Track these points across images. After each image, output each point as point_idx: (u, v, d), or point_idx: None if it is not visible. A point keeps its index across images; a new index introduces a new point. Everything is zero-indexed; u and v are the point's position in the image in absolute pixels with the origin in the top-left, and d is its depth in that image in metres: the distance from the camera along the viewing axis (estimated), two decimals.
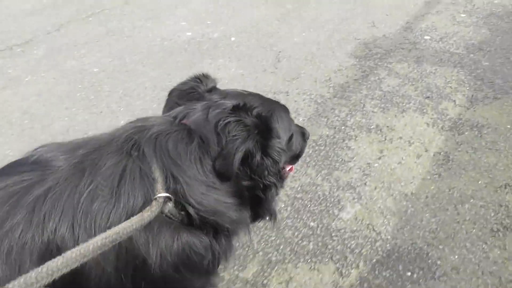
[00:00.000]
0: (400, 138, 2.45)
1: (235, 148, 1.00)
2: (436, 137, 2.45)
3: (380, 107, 2.71)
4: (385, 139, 2.45)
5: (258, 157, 1.07)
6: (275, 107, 1.24)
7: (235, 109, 1.08)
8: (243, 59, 3.36)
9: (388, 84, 2.93)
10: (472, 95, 2.77)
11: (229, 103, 1.10)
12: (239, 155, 1.01)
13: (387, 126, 2.55)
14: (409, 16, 3.89)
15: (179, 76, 3.26)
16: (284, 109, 1.31)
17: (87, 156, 0.96)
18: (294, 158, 1.44)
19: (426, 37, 3.52)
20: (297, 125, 1.42)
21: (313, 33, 3.70)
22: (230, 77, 3.12)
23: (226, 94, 1.19)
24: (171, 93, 1.26)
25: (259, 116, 1.10)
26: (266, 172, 1.10)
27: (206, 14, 4.15)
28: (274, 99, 1.32)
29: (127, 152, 0.97)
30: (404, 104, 2.72)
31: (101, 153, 0.97)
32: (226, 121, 1.03)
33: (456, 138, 2.43)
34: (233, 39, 3.66)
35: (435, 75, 3.00)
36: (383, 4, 4.16)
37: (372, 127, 2.55)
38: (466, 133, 2.46)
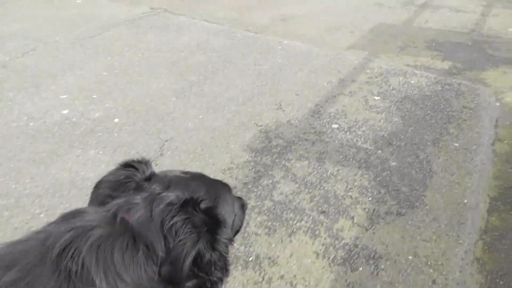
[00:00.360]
0: (282, 277, 1.98)
1: (184, 253, 0.91)
2: (324, 275, 2.00)
3: (266, 227, 2.24)
4: (263, 279, 1.96)
5: (207, 255, 0.96)
6: (219, 191, 1.19)
7: (183, 205, 0.97)
8: (120, 150, 2.82)
9: (282, 192, 2.50)
10: (374, 210, 2.39)
11: (173, 195, 1.00)
12: (189, 260, 0.91)
13: (269, 258, 2.07)
14: (320, 97, 3.57)
15: (30, 175, 2.63)
16: (228, 189, 1.26)
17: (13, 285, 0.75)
18: (234, 235, 1.33)
19: (334, 126, 3.17)
20: (235, 198, 1.32)
21: (212, 115, 3.25)
22: (97, 176, 2.54)
23: (168, 183, 1.07)
24: (99, 185, 1.11)
25: (207, 210, 1.00)
26: (213, 268, 0.99)
27: (96, 84, 3.61)
28: (215, 179, 1.24)
29: (66, 270, 0.79)
30: (294, 222, 2.28)
31: (33, 279, 0.76)
32: (173, 221, 0.92)
33: (347, 276, 1.99)
34: (116, 120, 3.13)
35: (336, 179, 2.61)
36: (295, 81, 3.83)
37: (250, 259, 2.06)
38: (361, 268, 2.03)
